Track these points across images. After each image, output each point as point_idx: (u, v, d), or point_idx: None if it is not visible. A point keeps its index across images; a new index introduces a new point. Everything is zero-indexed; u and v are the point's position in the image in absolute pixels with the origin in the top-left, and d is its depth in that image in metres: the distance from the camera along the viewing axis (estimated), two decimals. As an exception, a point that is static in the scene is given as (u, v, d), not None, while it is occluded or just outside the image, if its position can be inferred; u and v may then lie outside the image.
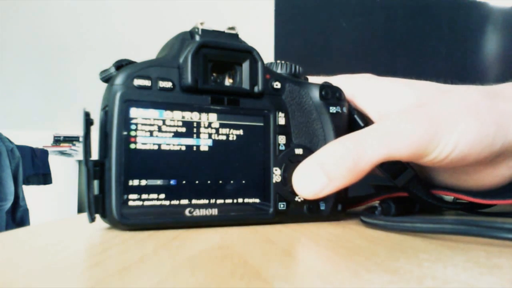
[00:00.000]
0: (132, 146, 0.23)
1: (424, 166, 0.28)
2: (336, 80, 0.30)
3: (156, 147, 0.23)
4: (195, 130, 0.24)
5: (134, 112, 0.23)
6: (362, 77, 0.31)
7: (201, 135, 0.24)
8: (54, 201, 2.56)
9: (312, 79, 0.30)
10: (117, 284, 0.12)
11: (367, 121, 0.30)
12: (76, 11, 3.05)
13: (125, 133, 0.22)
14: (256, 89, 0.26)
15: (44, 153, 2.22)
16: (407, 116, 0.25)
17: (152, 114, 0.23)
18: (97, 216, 0.23)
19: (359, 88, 0.30)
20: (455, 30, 0.56)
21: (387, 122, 0.25)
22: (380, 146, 0.24)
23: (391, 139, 0.24)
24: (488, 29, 0.55)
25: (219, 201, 0.24)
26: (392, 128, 0.24)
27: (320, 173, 0.24)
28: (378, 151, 0.24)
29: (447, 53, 0.55)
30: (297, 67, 0.29)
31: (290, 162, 0.26)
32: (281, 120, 0.27)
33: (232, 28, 0.26)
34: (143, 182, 0.23)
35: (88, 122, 0.23)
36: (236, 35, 0.26)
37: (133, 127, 0.23)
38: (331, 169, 0.24)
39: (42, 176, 2.18)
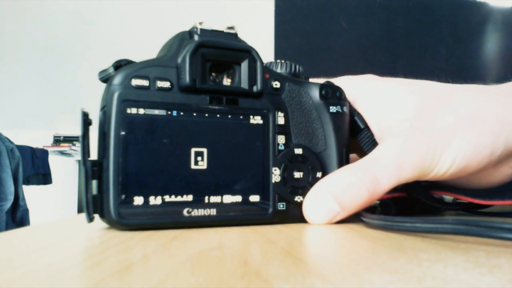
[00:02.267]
0: (130, 146, 0.23)
1: None
2: (338, 82, 0.30)
3: (154, 147, 0.23)
4: (193, 130, 0.24)
5: (132, 112, 0.23)
6: (364, 79, 0.31)
7: (199, 135, 0.24)
8: (54, 201, 2.57)
9: (313, 81, 0.30)
10: (117, 284, 0.12)
11: (367, 124, 0.30)
12: (76, 11, 3.05)
13: (123, 133, 0.22)
14: (255, 88, 0.26)
15: (44, 153, 2.22)
16: (407, 143, 0.26)
17: (150, 114, 0.23)
18: (97, 216, 0.23)
19: (360, 92, 0.30)
20: (455, 30, 0.56)
21: (392, 150, 0.26)
22: (391, 176, 0.25)
23: (398, 168, 0.25)
24: (488, 29, 0.55)
25: (218, 201, 0.24)
26: (397, 157, 0.26)
27: (333, 202, 0.25)
28: (390, 181, 0.25)
29: (447, 53, 0.55)
30: (297, 66, 0.29)
31: (290, 162, 0.26)
32: (281, 120, 0.26)
33: (231, 28, 0.26)
34: (141, 182, 0.23)
35: (86, 122, 0.23)
36: (235, 35, 0.26)
37: (131, 127, 0.23)
38: (344, 199, 0.25)
39: (42, 176, 2.17)
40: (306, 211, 0.26)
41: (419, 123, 0.27)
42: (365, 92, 0.30)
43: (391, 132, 0.28)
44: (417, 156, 0.26)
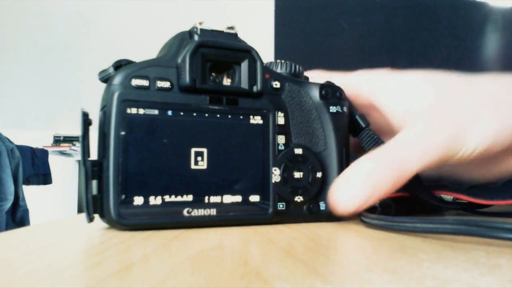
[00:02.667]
0: (130, 146, 0.23)
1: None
2: (353, 77, 0.30)
3: (154, 147, 0.23)
4: (193, 130, 0.24)
5: (132, 112, 0.23)
6: (381, 73, 0.31)
7: (199, 136, 0.24)
8: (54, 201, 2.57)
9: (329, 75, 0.30)
10: (117, 284, 0.12)
11: (369, 122, 0.30)
12: (77, 11, 3.05)
13: (123, 133, 0.22)
14: (255, 88, 0.26)
15: (44, 153, 2.22)
16: (431, 126, 0.26)
17: (150, 114, 0.23)
18: (97, 216, 0.23)
19: (379, 84, 0.30)
20: (455, 30, 0.56)
21: (415, 135, 0.26)
22: (417, 160, 0.25)
23: (424, 152, 0.25)
24: (488, 29, 0.55)
25: (218, 201, 0.24)
26: (422, 141, 0.26)
27: (363, 189, 0.25)
28: (416, 165, 0.25)
29: (447, 53, 0.55)
30: (297, 66, 0.29)
31: (290, 162, 0.26)
32: (281, 120, 0.26)
33: (231, 28, 0.26)
34: (141, 182, 0.23)
35: (86, 122, 0.23)
36: (235, 35, 0.26)
37: (131, 127, 0.23)
38: (373, 184, 0.25)
39: (42, 176, 2.17)
40: (335, 198, 0.25)
41: (441, 107, 0.27)
42: (383, 83, 0.30)
43: (412, 118, 0.28)
44: (442, 138, 0.26)
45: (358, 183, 0.25)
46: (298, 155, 0.27)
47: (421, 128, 0.26)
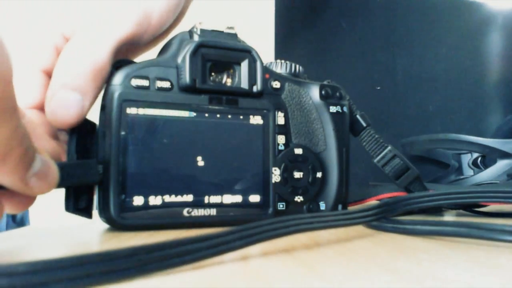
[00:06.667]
0: (130, 146, 0.23)
1: None
2: None
3: (154, 147, 0.23)
4: (193, 130, 0.24)
5: (132, 112, 0.23)
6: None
7: (199, 135, 0.24)
8: (54, 201, 2.57)
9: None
10: (117, 284, 0.12)
11: (369, 122, 0.30)
12: (76, 11, 3.05)
13: (123, 133, 0.22)
14: (255, 88, 0.26)
15: (44, 153, 2.22)
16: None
17: (150, 114, 0.23)
18: (97, 216, 0.23)
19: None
20: (455, 30, 0.56)
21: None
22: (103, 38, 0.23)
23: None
24: (488, 30, 0.55)
25: (218, 201, 0.24)
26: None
27: (71, 92, 0.22)
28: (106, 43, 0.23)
29: (447, 53, 0.55)
30: (297, 66, 0.29)
31: (290, 162, 0.26)
32: (281, 120, 0.26)
33: (231, 28, 0.26)
34: (141, 182, 0.23)
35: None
36: (235, 35, 0.26)
37: (131, 127, 0.23)
38: (77, 83, 0.22)
39: (42, 176, 2.17)
40: (54, 115, 0.22)
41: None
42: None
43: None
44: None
45: (65, 91, 0.22)
46: (298, 155, 0.27)
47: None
